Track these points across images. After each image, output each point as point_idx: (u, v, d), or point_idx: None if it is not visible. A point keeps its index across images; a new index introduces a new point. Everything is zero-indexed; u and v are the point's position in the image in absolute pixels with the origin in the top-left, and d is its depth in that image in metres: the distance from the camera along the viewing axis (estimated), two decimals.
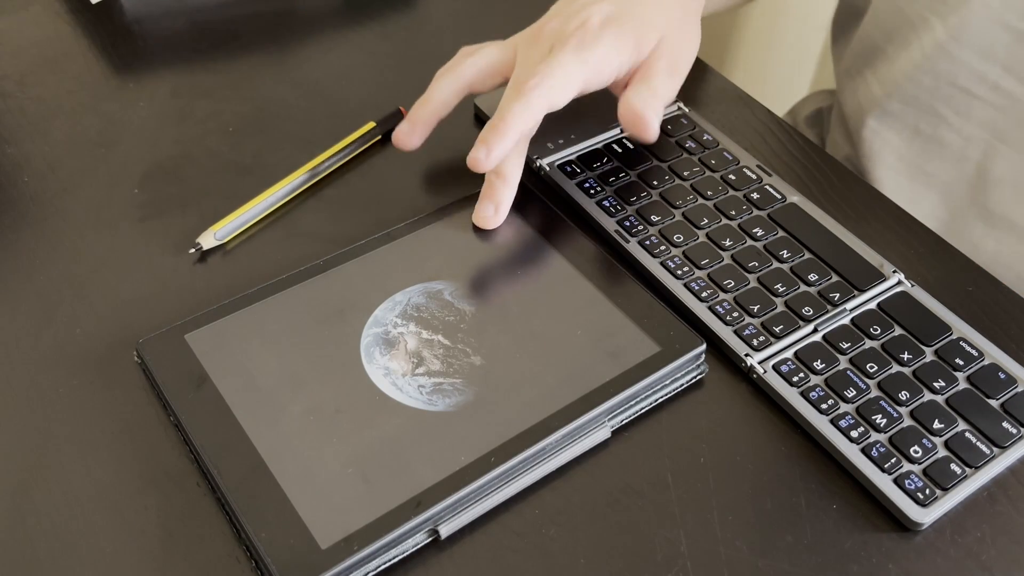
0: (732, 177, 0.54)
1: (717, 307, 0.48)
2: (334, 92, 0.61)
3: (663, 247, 0.50)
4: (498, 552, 0.40)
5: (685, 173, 0.54)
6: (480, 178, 0.52)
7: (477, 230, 0.51)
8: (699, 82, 0.64)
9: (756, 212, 0.52)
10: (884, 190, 0.65)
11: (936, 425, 0.43)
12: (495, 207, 0.51)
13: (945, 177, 0.66)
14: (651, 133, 0.51)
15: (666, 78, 0.52)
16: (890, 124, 0.68)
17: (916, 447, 0.42)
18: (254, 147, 0.57)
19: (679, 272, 0.49)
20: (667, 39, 0.52)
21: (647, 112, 0.51)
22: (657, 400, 0.45)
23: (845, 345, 0.46)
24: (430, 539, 0.39)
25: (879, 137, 0.69)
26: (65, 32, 0.65)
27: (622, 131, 0.57)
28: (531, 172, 0.56)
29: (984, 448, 0.42)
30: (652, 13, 0.52)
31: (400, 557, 0.39)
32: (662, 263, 0.50)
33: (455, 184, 0.55)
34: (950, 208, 0.67)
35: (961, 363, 0.45)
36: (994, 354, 0.46)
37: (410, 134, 0.54)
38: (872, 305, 0.48)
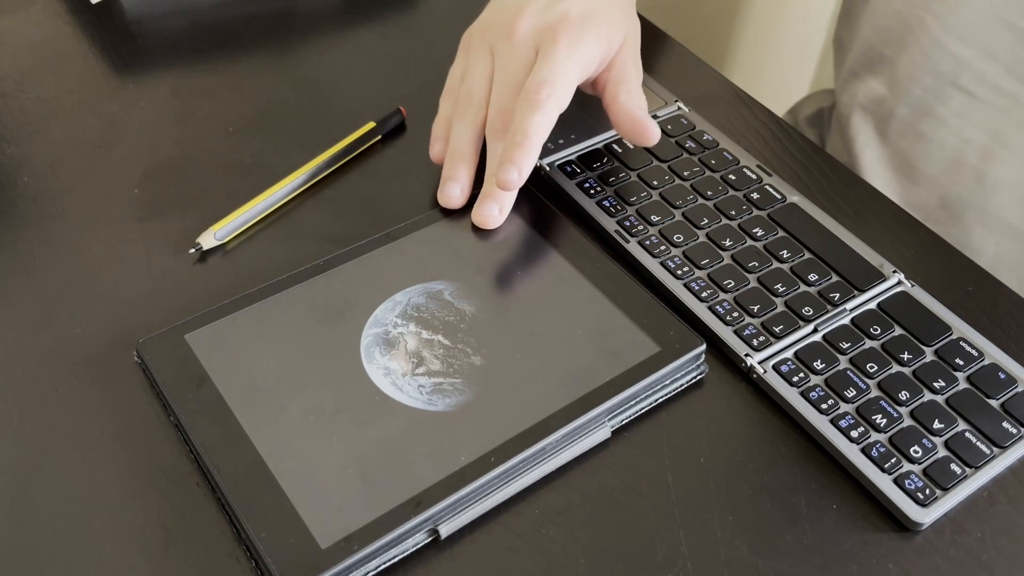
0: (732, 177, 0.54)
1: (717, 307, 0.48)
2: (334, 92, 0.61)
3: (663, 247, 0.50)
4: (498, 552, 0.40)
5: (685, 173, 0.54)
6: (480, 181, 0.52)
7: (477, 230, 0.50)
8: (699, 82, 0.64)
9: (756, 212, 0.52)
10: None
11: (936, 425, 0.43)
12: (499, 208, 0.50)
13: (943, 180, 0.66)
14: (655, 134, 0.51)
15: (638, 79, 0.53)
16: (890, 126, 0.68)
17: (916, 447, 0.42)
18: (254, 147, 0.57)
19: (679, 272, 0.49)
20: (629, 37, 0.53)
21: (645, 116, 0.51)
22: (657, 400, 0.45)
23: (845, 345, 0.46)
24: (430, 539, 0.39)
25: (878, 140, 0.69)
26: (65, 32, 0.65)
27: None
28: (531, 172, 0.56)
29: (984, 448, 0.42)
30: (614, 9, 0.53)
31: (400, 557, 0.39)
32: (662, 263, 0.50)
33: None
34: (949, 211, 0.66)
35: (961, 363, 0.45)
36: (994, 354, 0.46)
37: (462, 197, 0.51)
38: (872, 305, 0.48)
